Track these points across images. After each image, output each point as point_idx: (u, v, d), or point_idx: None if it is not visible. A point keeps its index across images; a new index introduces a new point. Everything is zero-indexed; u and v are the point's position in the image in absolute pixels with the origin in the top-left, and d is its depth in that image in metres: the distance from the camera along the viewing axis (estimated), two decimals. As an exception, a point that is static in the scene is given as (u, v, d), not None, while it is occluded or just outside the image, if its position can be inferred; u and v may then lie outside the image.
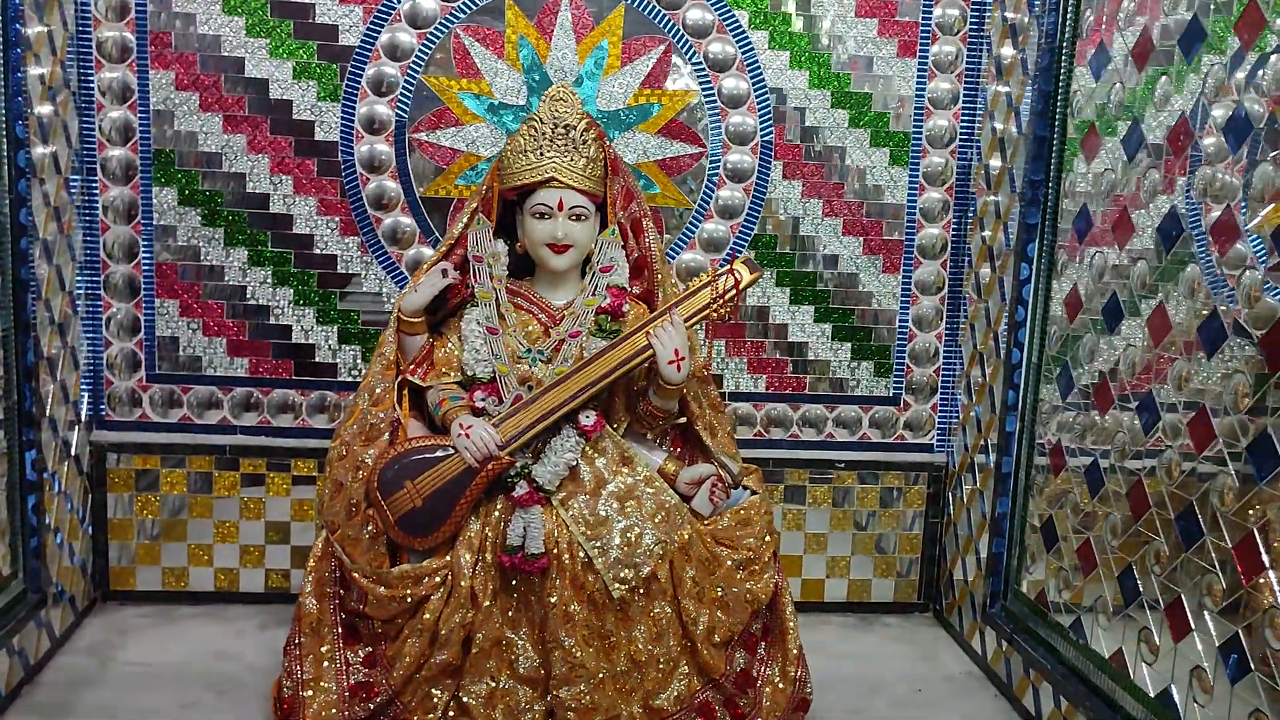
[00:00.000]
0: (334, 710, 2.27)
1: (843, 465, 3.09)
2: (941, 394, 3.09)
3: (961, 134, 2.97)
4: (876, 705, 2.60)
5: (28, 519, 2.50)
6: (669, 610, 2.32)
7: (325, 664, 2.33)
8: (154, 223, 2.82)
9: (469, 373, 2.37)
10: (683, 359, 2.29)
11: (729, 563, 2.39)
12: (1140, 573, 2.15)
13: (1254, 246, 1.87)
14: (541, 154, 2.33)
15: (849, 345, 3.05)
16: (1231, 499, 1.86)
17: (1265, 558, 1.76)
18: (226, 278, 2.87)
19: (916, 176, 2.98)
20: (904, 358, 3.07)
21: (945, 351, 3.07)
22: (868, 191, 2.98)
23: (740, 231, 2.97)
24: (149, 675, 2.56)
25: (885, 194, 2.99)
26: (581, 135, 2.35)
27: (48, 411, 2.57)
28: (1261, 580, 1.77)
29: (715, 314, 2.33)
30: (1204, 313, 1.95)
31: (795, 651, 2.46)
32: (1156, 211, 2.18)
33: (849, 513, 3.12)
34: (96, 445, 2.87)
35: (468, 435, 2.25)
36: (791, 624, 2.48)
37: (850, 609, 3.15)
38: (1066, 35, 2.53)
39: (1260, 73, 1.85)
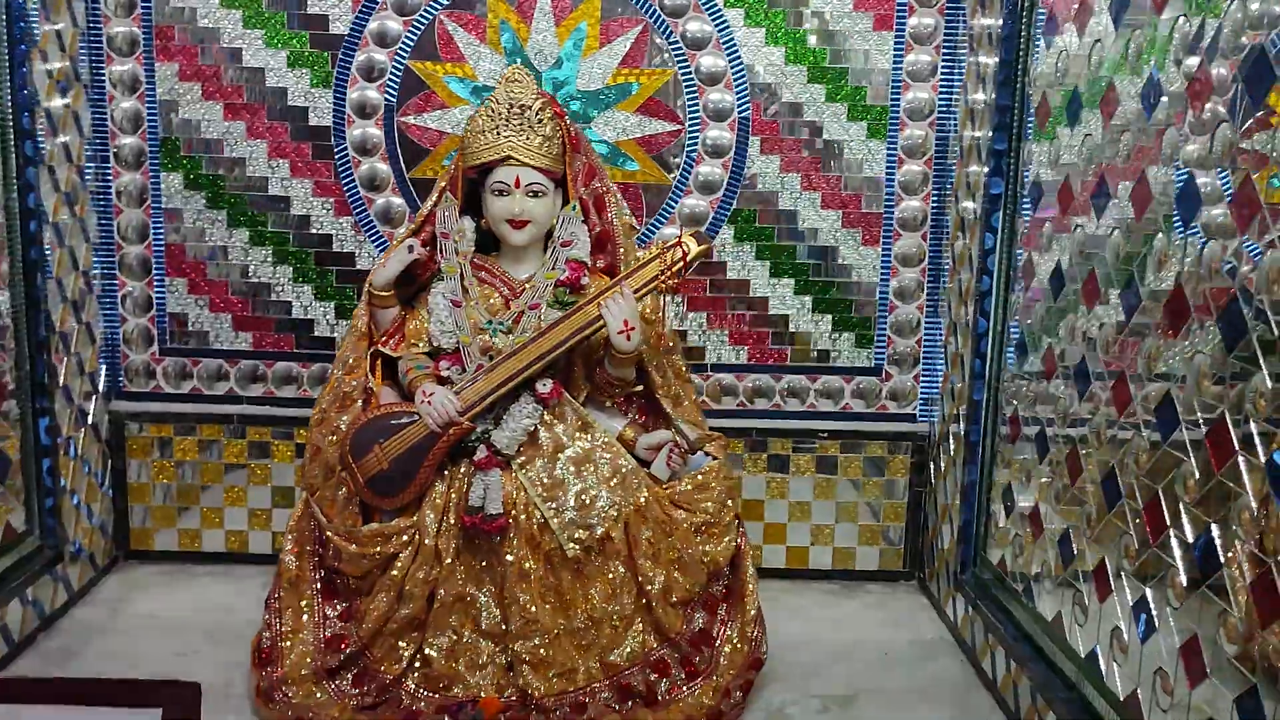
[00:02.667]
0: (309, 660, 2.43)
1: (826, 435, 3.14)
2: (924, 365, 3.12)
3: (940, 106, 2.98)
4: (838, 667, 2.66)
5: (43, 481, 2.71)
6: (623, 570, 2.43)
7: (304, 617, 2.49)
8: (163, 206, 3.01)
9: (435, 343, 2.50)
10: (633, 329, 2.38)
11: (685, 525, 2.48)
12: (1075, 537, 2.18)
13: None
14: (498, 134, 2.43)
15: (830, 317, 3.10)
16: (1145, 460, 1.89)
17: (1167, 517, 1.79)
18: (230, 257, 3.04)
19: (895, 149, 3.01)
20: (885, 329, 3.10)
21: (927, 323, 3.10)
22: (846, 165, 3.02)
23: (720, 206, 3.04)
24: (154, 626, 2.76)
25: (864, 167, 3.02)
26: (537, 115, 2.44)
27: (61, 382, 2.77)
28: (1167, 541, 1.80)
29: (664, 285, 2.42)
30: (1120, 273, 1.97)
31: (753, 613, 2.54)
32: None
33: (833, 482, 3.18)
34: (115, 414, 3.08)
35: (429, 402, 2.38)
36: (751, 586, 2.56)
37: (835, 576, 3.21)
38: (1025, 4, 2.53)
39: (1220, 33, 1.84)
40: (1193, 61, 1.79)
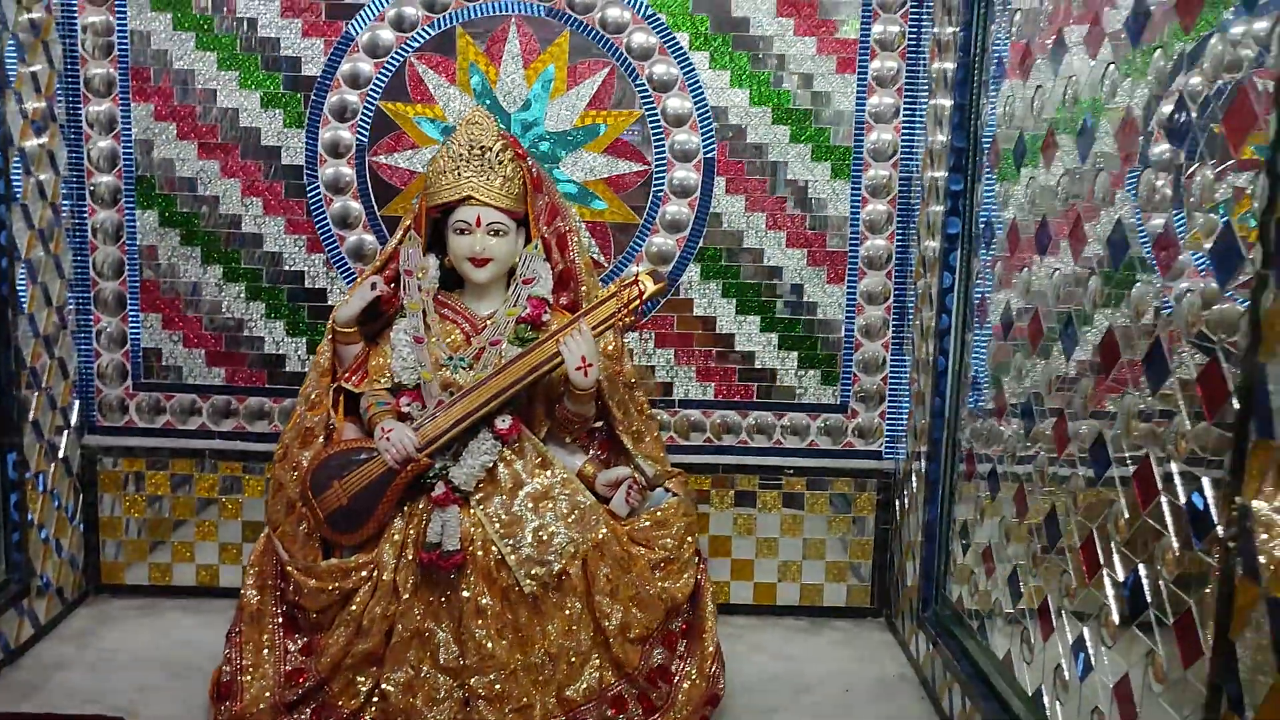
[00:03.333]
0: (268, 694, 2.44)
1: (792, 471, 3.16)
2: (889, 402, 3.14)
3: (903, 147, 3.03)
4: (798, 703, 2.66)
5: (10, 516, 2.73)
6: (579, 607, 2.44)
7: (264, 651, 2.50)
8: (138, 243, 3.06)
9: (397, 379, 2.53)
10: (590, 365, 2.41)
11: (644, 562, 2.50)
12: (1022, 575, 2.19)
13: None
14: (459, 174, 2.48)
15: (796, 354, 3.13)
16: (1082, 499, 1.91)
17: (1100, 556, 1.81)
18: (204, 293, 3.08)
19: (859, 189, 3.05)
20: (851, 366, 3.13)
21: (892, 360, 3.12)
22: (811, 204, 3.06)
23: (686, 245, 3.08)
24: (118, 661, 2.77)
25: (828, 206, 3.06)
26: (497, 156, 2.49)
27: (31, 417, 2.81)
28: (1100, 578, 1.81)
29: (621, 322, 2.45)
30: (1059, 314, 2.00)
31: (711, 649, 2.55)
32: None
33: (800, 518, 3.19)
34: (88, 449, 3.11)
35: (388, 438, 2.40)
36: (710, 622, 2.58)
37: (802, 613, 3.22)
38: (976, 49, 2.58)
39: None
40: (1122, 107, 1.83)
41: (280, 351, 3.10)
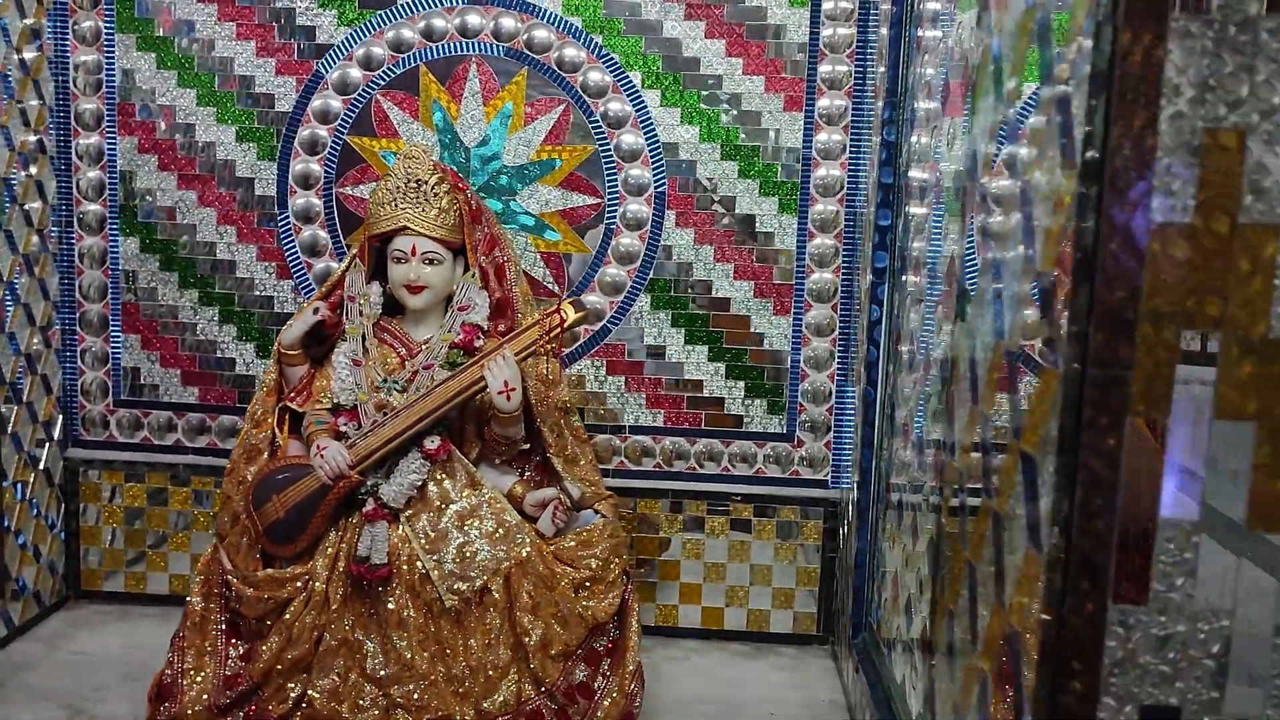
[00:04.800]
0: (205, 696, 2.56)
1: (739, 499, 3.23)
2: (835, 432, 3.20)
3: (849, 183, 3.10)
4: (720, 725, 2.72)
5: (-13, 522, 2.92)
6: (499, 622, 2.54)
7: (205, 656, 2.62)
8: (120, 268, 3.24)
9: (335, 400, 2.66)
10: (513, 390, 2.52)
11: (567, 581, 2.59)
12: (913, 602, 2.24)
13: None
14: (396, 205, 2.61)
15: (743, 383, 3.20)
16: (949, 527, 1.96)
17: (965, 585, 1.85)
18: (180, 316, 3.26)
19: (806, 224, 3.13)
20: (798, 396, 3.19)
21: (838, 391, 3.18)
22: (758, 238, 3.15)
23: (637, 276, 3.18)
24: (82, 663, 2.93)
25: (775, 240, 3.14)
26: (433, 189, 2.62)
27: (11, 429, 2.99)
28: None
29: (543, 349, 2.56)
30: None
31: (632, 669, 2.62)
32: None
33: (747, 544, 3.25)
34: (71, 461, 3.29)
35: (322, 455, 2.53)
36: (634, 641, 2.65)
37: (749, 638, 3.27)
38: (902, 89, 2.66)
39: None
40: (992, 149, 1.90)
41: (250, 373, 3.26)
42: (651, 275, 3.18)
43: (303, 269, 3.22)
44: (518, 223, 3.18)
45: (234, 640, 2.65)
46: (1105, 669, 0.79)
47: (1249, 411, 0.73)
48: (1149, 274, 0.73)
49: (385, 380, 2.64)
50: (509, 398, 2.52)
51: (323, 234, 3.21)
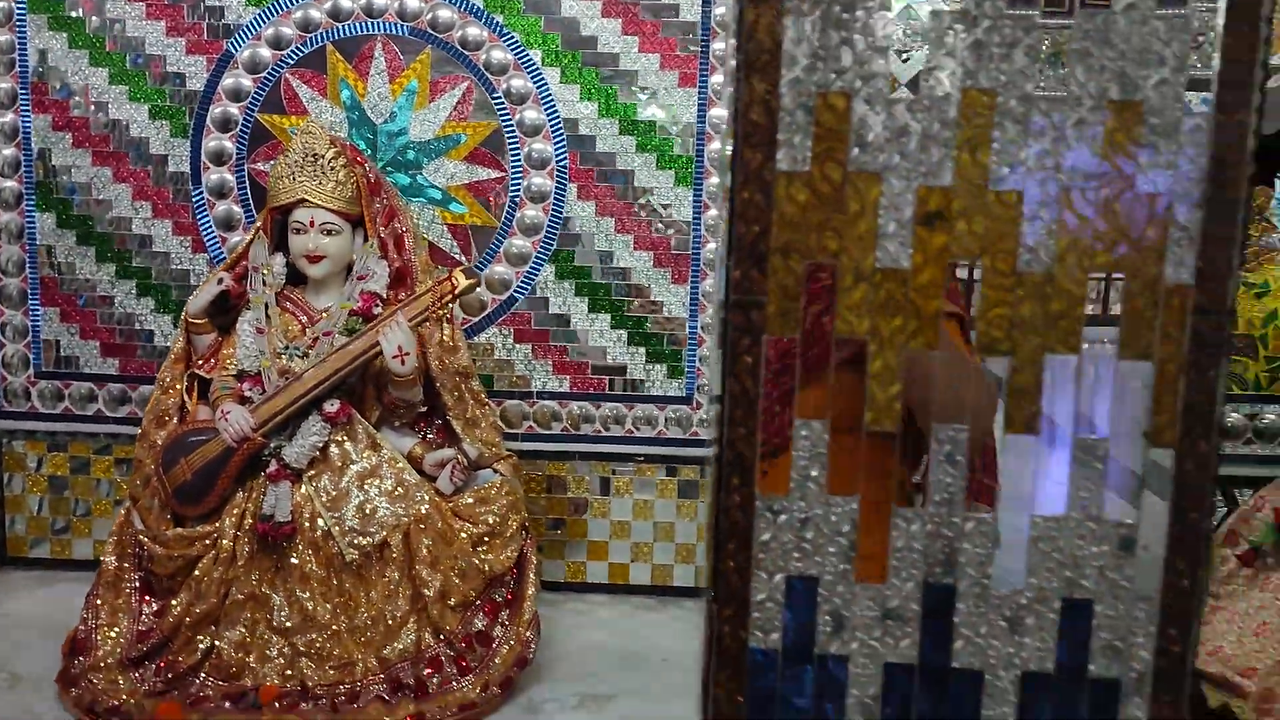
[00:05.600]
0: (118, 650, 2.69)
1: (643, 459, 3.38)
2: (732, 395, 3.35)
3: (742, 156, 3.24)
4: (614, 672, 2.88)
5: (-93, 489, 3.01)
6: (397, 576, 2.68)
7: (119, 613, 2.75)
8: (38, 243, 3.33)
9: (240, 366, 2.78)
10: (407, 354, 2.65)
11: (465, 536, 2.73)
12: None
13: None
14: (294, 179, 2.73)
15: (644, 349, 3.35)
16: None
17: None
18: (98, 289, 3.35)
19: (701, 196, 3.27)
20: (695, 361, 3.34)
21: (734, 355, 3.33)
22: (655, 210, 3.28)
23: (541, 246, 3.31)
24: (5, 624, 3.04)
25: (672, 212, 3.28)
26: (330, 162, 2.74)
27: (-70, 400, 3.09)
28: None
29: (435, 314, 2.69)
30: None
31: (528, 617, 2.77)
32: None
33: (650, 503, 3.41)
34: (-5, 432, 3.40)
35: (226, 419, 2.65)
36: (530, 592, 2.80)
37: (654, 592, 3.43)
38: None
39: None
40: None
41: (168, 344, 3.35)
42: (555, 246, 3.31)
43: (217, 243, 3.32)
44: (426, 196, 3.30)
45: (147, 597, 2.77)
46: (756, 548, 0.93)
47: (862, 330, 0.87)
48: (777, 215, 0.87)
49: (287, 347, 2.76)
50: (403, 361, 2.65)
51: (236, 209, 3.31)
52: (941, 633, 0.89)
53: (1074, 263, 0.84)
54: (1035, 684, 0.88)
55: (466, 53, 3.23)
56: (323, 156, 2.74)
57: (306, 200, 2.72)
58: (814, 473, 0.91)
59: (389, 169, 3.24)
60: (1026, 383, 0.86)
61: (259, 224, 2.86)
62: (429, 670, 2.68)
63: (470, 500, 2.77)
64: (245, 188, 3.30)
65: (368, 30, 3.24)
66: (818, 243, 0.86)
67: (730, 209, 0.90)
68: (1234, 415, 3.20)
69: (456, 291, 2.66)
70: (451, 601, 2.71)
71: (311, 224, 2.73)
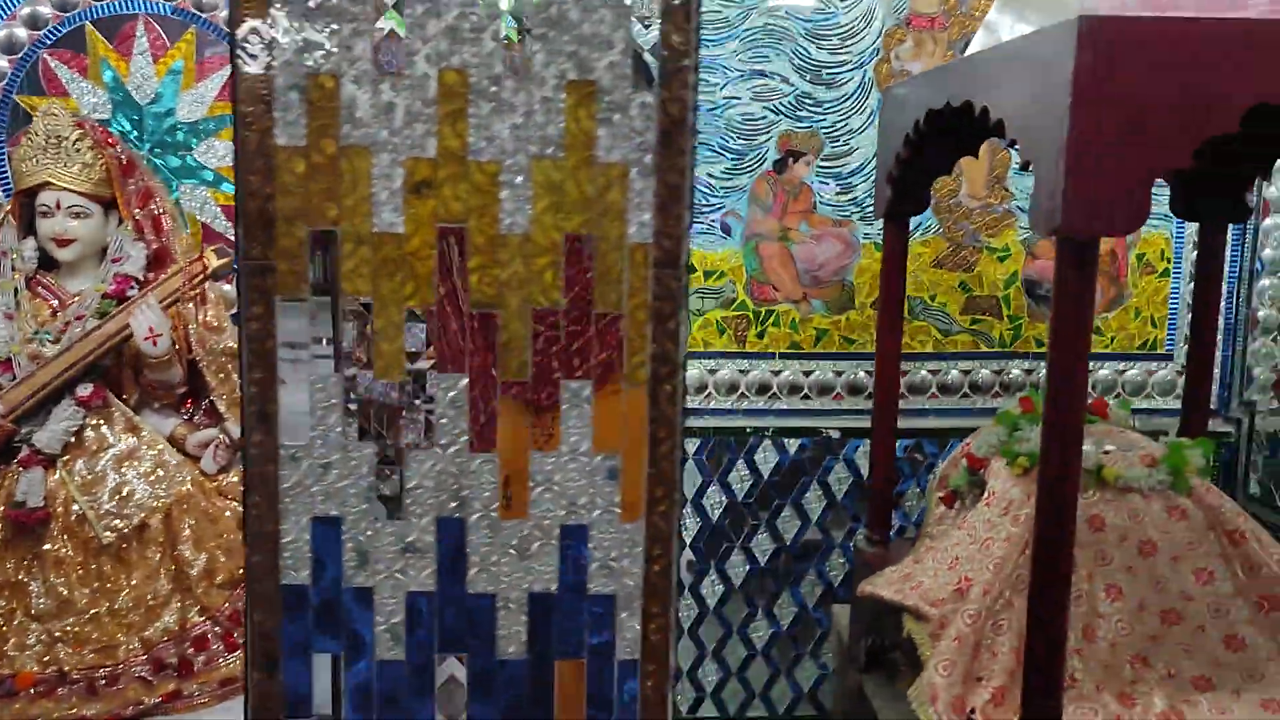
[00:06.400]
0: (-124, 642, 2.64)
1: (429, 433, 3.44)
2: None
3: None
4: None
5: None
6: (158, 556, 2.69)
7: (-118, 604, 2.70)
8: None
9: (-10, 353, 2.74)
10: (159, 335, 2.66)
11: (227, 514, 2.76)
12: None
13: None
14: (37, 161, 2.70)
15: (426, 325, 3.40)
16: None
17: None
18: None
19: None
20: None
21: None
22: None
23: (318, 226, 3.32)
24: None
25: (448, 189, 3.34)
26: (75, 144, 2.72)
27: None
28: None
29: (187, 295, 2.70)
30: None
31: (298, 591, 2.82)
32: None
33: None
34: None
35: (-27, 406, 2.62)
36: (300, 567, 2.84)
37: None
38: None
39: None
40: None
41: (-69, 333, 3.27)
42: (331, 225, 3.33)
43: (-21, 228, 3.24)
44: (198, 178, 3.27)
45: (-94, 591, 2.72)
46: (281, 494, 1.02)
47: (364, 291, 0.97)
48: (278, 186, 0.95)
49: (37, 331, 2.73)
50: (155, 343, 2.66)
51: (-2, 193, 3.24)
52: (457, 562, 0.99)
53: (550, 224, 0.95)
54: (543, 602, 0.99)
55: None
56: (67, 138, 2.71)
57: (51, 183, 2.69)
58: (331, 419, 1.00)
59: (157, 150, 3.21)
60: (515, 333, 0.96)
61: (7, 207, 2.81)
62: (193, 649, 2.70)
63: (235, 479, 2.80)
64: (5, 171, 3.23)
65: (128, 9, 3.19)
66: (320, 210, 0.94)
67: (237, 184, 0.98)
68: (983, 371, 3.43)
69: (208, 272, 2.68)
70: (218, 580, 2.73)
71: (58, 206, 2.70)
